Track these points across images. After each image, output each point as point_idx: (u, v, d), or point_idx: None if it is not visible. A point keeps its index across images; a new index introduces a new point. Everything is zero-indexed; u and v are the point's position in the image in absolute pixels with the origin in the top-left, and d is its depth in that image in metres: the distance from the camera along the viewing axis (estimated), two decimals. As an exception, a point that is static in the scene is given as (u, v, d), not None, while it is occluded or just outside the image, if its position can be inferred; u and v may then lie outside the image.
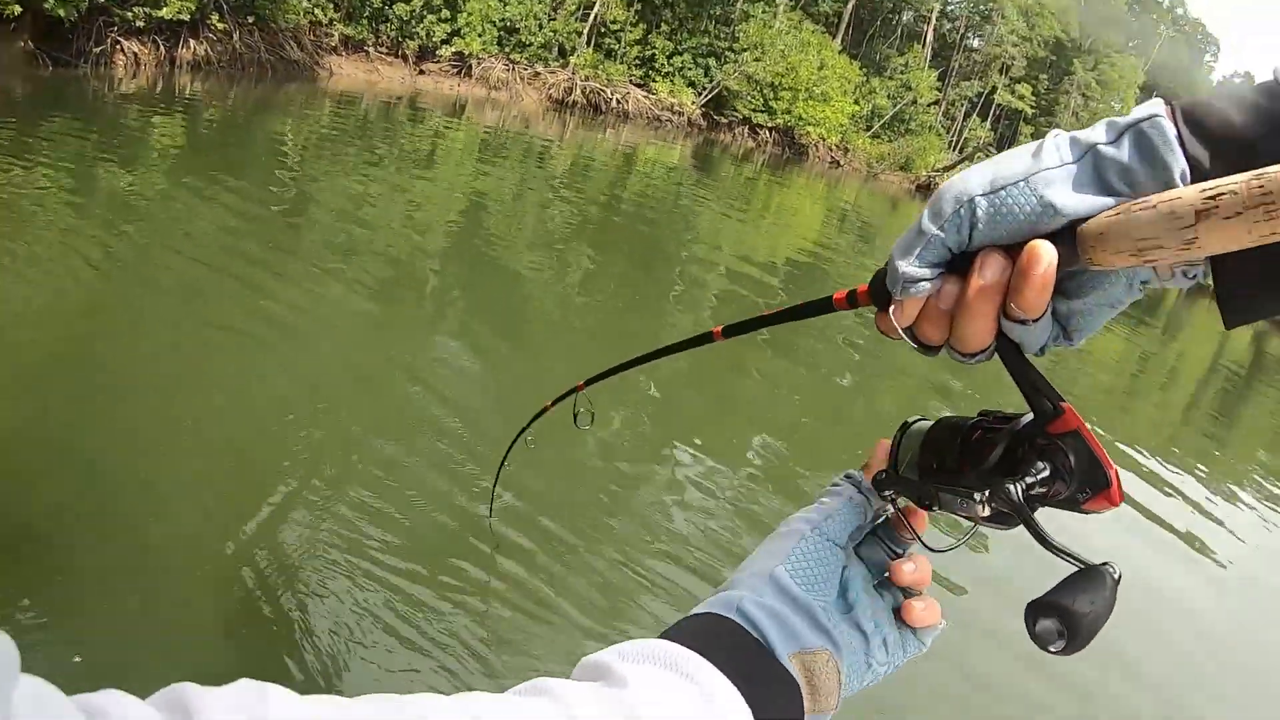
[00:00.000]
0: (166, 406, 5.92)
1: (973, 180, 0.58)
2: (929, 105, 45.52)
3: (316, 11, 22.18)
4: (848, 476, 0.83)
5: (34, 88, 13.94)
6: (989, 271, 0.59)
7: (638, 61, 32.57)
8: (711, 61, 34.16)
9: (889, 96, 43.95)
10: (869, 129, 43.28)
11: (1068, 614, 0.55)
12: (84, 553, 4.21)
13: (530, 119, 26.40)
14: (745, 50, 34.14)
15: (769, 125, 37.00)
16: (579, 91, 29.30)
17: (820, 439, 7.57)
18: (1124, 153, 0.55)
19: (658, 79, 32.98)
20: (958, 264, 0.61)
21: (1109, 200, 0.55)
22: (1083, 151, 0.56)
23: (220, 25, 18.56)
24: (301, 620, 3.84)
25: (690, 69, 33.80)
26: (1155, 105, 0.55)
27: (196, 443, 5.48)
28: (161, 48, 17.41)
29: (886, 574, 0.78)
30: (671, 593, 4.53)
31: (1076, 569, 0.58)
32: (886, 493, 0.77)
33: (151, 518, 4.51)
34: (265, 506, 4.74)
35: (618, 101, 30.94)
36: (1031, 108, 50.89)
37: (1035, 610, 0.57)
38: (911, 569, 0.76)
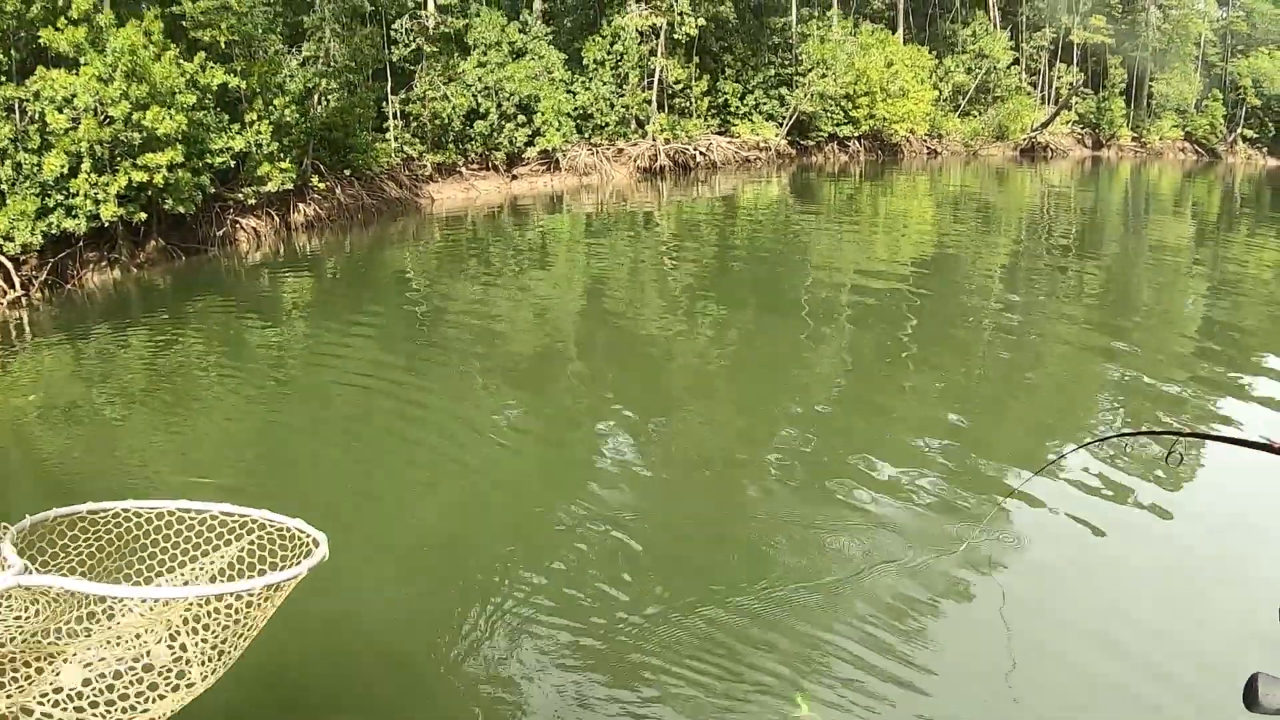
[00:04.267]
0: (362, 524, 5.86)
1: None
2: (1009, 67, 43.60)
3: (406, 149, 23.07)
4: None
5: (173, 278, 14.65)
6: None
7: (712, 111, 32.51)
8: (783, 90, 33.77)
9: (967, 71, 42.44)
10: (956, 109, 41.88)
11: None
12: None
13: (625, 193, 26.48)
14: (811, 70, 33.67)
15: (856, 135, 36.20)
16: (663, 155, 29.38)
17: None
18: None
19: (736, 122, 32.75)
20: None
21: None
22: None
23: (322, 185, 19.41)
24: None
25: (764, 103, 33.45)
26: None
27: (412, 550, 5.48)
28: (275, 217, 18.26)
29: None
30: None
31: None
32: None
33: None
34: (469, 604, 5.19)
35: (702, 154, 30.83)
36: (1109, 37, 47.97)
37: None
38: None
